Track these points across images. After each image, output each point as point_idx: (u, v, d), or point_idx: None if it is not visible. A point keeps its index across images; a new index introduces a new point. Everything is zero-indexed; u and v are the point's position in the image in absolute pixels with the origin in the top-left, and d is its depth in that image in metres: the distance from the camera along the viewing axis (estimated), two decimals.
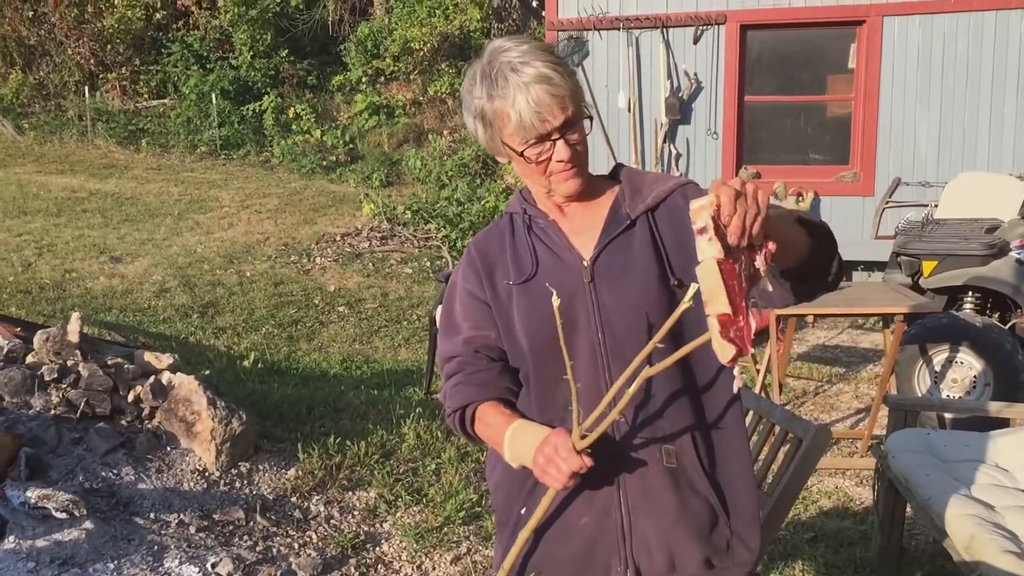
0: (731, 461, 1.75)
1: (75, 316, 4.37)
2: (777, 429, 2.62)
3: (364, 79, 17.34)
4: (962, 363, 5.16)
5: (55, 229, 10.50)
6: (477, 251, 1.84)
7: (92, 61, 17.87)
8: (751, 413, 2.80)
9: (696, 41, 9.20)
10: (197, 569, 3.41)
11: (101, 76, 17.89)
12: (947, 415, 4.89)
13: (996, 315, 5.65)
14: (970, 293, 5.61)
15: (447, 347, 1.86)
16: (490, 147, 1.76)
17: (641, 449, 1.69)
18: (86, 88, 17.27)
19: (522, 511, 1.76)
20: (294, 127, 16.38)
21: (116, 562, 3.36)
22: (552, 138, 1.66)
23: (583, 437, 1.57)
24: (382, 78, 17.42)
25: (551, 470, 1.59)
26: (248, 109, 16.86)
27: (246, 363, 6.11)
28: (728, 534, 1.72)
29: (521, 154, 1.69)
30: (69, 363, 4.18)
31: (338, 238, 10.78)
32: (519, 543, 1.72)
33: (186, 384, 4.20)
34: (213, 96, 16.71)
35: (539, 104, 1.62)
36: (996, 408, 3.91)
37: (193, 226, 11.15)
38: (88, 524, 3.46)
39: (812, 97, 9.49)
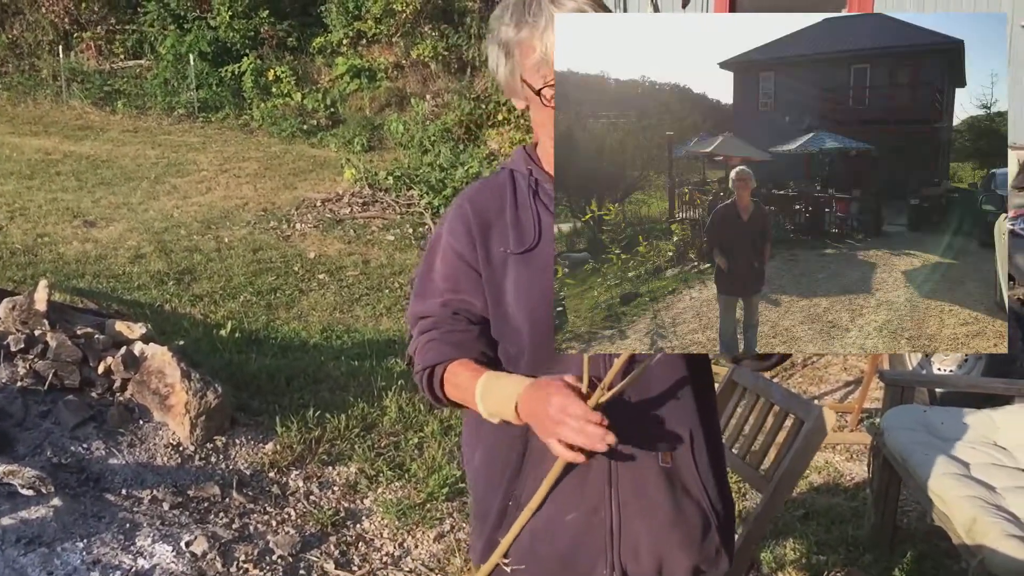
0: (718, 465, 1.69)
1: (43, 284, 4.21)
2: (777, 409, 2.51)
3: (345, 41, 17.02)
4: None
5: (27, 192, 10.25)
6: (472, 208, 1.65)
7: (66, 20, 17.44)
8: (747, 392, 2.69)
9: (684, 5, 9.02)
10: (171, 547, 3.28)
11: (76, 35, 17.48)
12: (937, 390, 4.81)
13: None
14: None
15: (421, 307, 1.69)
16: (508, 85, 1.61)
17: (636, 446, 1.58)
18: (60, 47, 16.87)
19: (509, 503, 1.64)
20: (274, 90, 16.08)
21: (86, 540, 3.22)
22: None
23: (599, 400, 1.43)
24: (364, 40, 17.10)
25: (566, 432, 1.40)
26: (227, 71, 16.53)
27: (223, 332, 5.95)
28: (718, 541, 1.65)
29: (539, 92, 1.53)
30: (36, 333, 4.02)
31: (318, 204, 10.58)
32: (518, 525, 1.59)
33: (159, 355, 4.05)
34: (191, 57, 16.37)
35: None
36: (996, 384, 3.81)
37: (170, 190, 10.91)
38: (56, 501, 3.32)
39: None
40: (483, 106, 14.46)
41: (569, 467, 1.53)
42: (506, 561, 1.63)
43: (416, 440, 4.37)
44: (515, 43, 1.53)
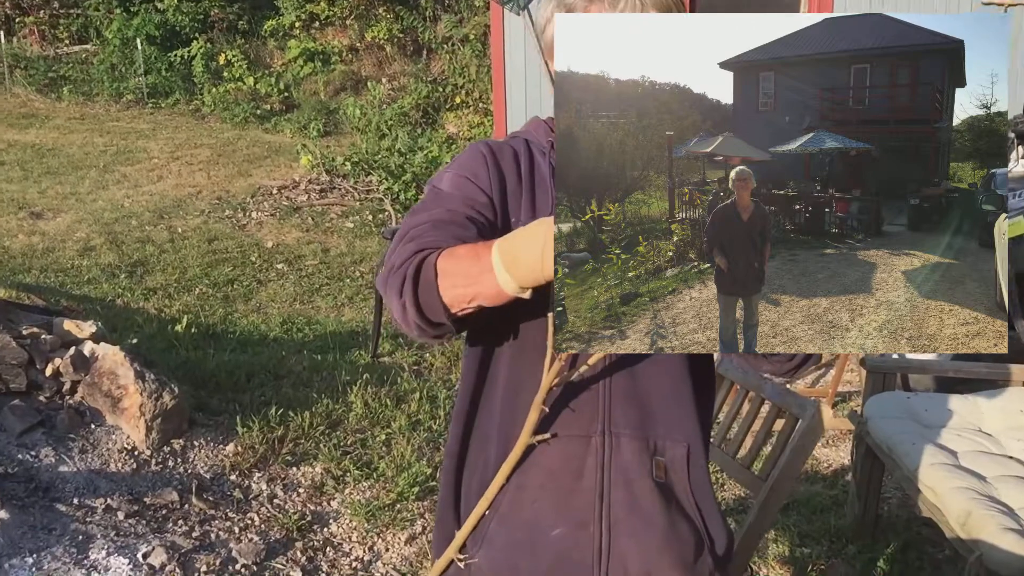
0: (709, 485, 1.57)
1: None
2: (768, 405, 2.43)
3: (298, 24, 16.69)
4: None
5: None
6: (490, 151, 1.51)
7: (7, 4, 16.92)
8: (735, 387, 2.61)
9: None
10: (127, 560, 3.13)
11: (18, 20, 16.97)
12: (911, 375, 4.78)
13: None
14: None
15: (415, 219, 1.44)
16: (551, 46, 1.47)
17: (631, 456, 1.47)
18: (1, 33, 16.34)
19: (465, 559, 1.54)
20: (225, 74, 15.72)
21: (35, 555, 3.06)
22: None
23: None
24: (317, 23, 16.78)
25: None
26: (176, 55, 16.13)
27: (178, 327, 5.75)
28: (712, 565, 1.53)
29: None
30: None
31: (275, 191, 10.34)
32: (475, 515, 1.48)
33: (111, 355, 3.87)
34: (138, 41, 15.95)
35: None
36: (979, 368, 3.74)
37: (120, 179, 10.60)
38: (3, 514, 3.15)
39: None
40: (440, 89, 14.27)
41: (530, 449, 1.43)
42: (461, 557, 1.53)
43: (383, 437, 4.25)
44: (580, 8, 1.43)
